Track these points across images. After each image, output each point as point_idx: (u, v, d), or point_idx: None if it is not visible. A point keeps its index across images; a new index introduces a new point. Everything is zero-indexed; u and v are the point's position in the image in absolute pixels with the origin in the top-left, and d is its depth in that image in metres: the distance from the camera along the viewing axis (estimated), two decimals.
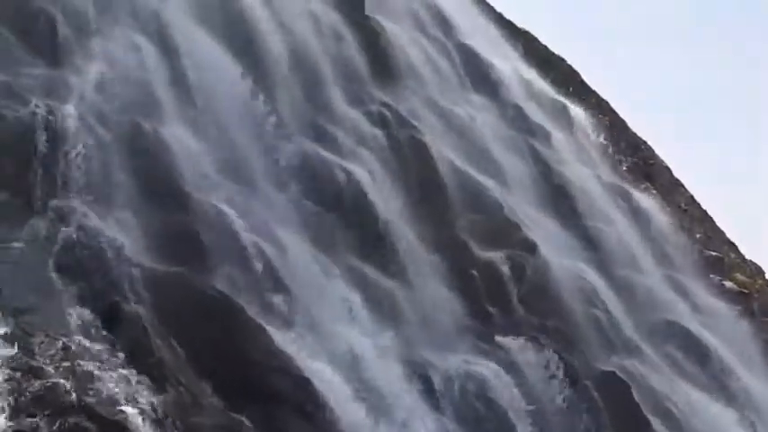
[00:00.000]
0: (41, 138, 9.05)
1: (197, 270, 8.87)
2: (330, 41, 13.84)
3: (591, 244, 14.14)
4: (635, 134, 20.16)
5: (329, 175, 11.47)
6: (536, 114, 16.64)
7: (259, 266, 9.39)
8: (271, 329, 8.55)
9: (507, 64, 17.70)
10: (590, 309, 12.60)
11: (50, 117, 9.22)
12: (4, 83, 9.39)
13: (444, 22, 17.20)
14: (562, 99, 18.21)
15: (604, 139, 18.26)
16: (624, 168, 18.11)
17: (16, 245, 8.09)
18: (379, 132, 13.12)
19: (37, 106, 9.22)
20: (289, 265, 9.72)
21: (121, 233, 8.60)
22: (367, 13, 15.04)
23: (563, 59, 20.81)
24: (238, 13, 12.44)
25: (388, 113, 13.58)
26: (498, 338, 10.99)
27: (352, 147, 12.49)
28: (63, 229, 8.42)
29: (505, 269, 12.17)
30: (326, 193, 11.31)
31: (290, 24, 13.07)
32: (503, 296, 11.81)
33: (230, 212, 9.51)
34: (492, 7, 20.26)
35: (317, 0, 14.29)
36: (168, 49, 11.19)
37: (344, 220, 11.09)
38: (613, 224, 15.02)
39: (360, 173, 11.81)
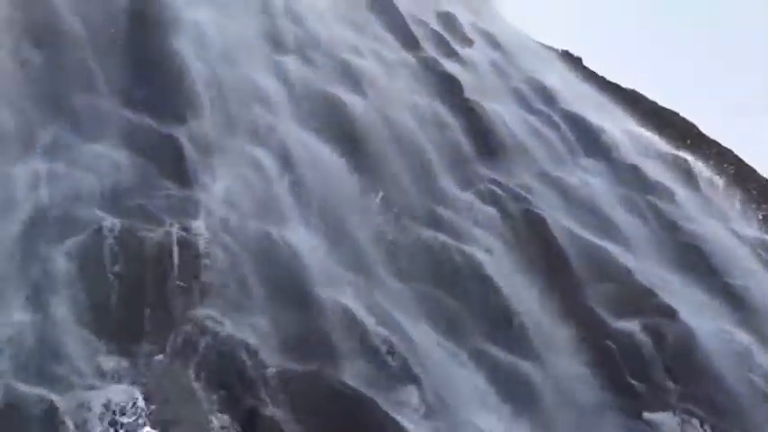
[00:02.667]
0: (177, 254, 9.70)
1: (329, 367, 9.03)
2: (434, 128, 14.17)
3: (735, 303, 13.17)
4: (766, 180, 18.95)
5: (448, 258, 11.49)
6: (654, 172, 16.07)
7: (387, 359, 9.42)
8: (404, 422, 8.48)
9: (617, 125, 17.36)
10: (745, 373, 11.62)
11: (183, 234, 9.89)
12: (141, 206, 10.22)
13: (546, 94, 17.23)
14: (680, 153, 17.53)
15: (733, 190, 17.28)
16: (760, 217, 16.97)
17: (160, 357, 8.59)
18: (492, 210, 13.09)
19: (171, 225, 9.93)
20: (416, 354, 9.69)
21: (255, 337, 8.94)
22: (466, 96, 15.35)
23: (675, 113, 20.14)
24: (344, 115, 13.05)
25: (498, 190, 13.57)
26: (647, 415, 10.31)
27: (467, 228, 12.51)
28: (202, 338, 8.86)
29: (644, 338, 11.52)
30: (446, 277, 11.31)
31: (394, 118, 13.54)
32: (645, 368, 11.14)
33: (356, 307, 9.69)
34: (593, 72, 20.13)
35: (418, 91, 14.77)
36: (284, 158, 11.85)
37: (467, 303, 10.99)
38: (757, 279, 13.97)
39: (478, 253, 11.76)
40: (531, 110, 16.39)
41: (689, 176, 16.78)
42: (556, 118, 16.40)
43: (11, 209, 9.28)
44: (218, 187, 10.93)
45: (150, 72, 12.02)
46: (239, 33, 13.61)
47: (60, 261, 8.94)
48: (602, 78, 19.98)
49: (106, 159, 10.42)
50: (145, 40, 12.34)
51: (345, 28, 15.81)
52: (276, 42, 14.20)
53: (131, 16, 12.53)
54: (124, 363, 8.52)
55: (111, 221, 9.49)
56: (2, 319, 8.23)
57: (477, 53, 18.46)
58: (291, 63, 13.79)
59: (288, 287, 9.90)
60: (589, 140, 16.11)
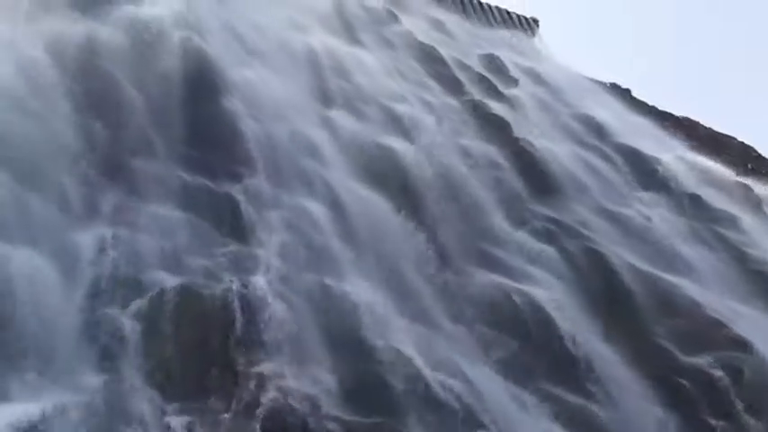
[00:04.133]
0: (238, 310, 9.81)
1: (392, 418, 8.91)
2: (485, 170, 14.15)
3: None
4: None
5: (505, 300, 11.32)
6: (716, 199, 15.65)
7: (451, 406, 9.25)
8: None
9: (673, 154, 17.04)
10: None
11: (244, 290, 10.02)
12: (202, 265, 10.42)
13: (597, 128, 17.08)
14: (741, 178, 17.04)
15: None
16: None
17: (225, 416, 8.62)
18: (548, 248, 12.90)
19: (231, 281, 10.08)
20: (481, 400, 9.49)
21: (317, 390, 8.91)
22: (515, 135, 15.32)
23: (732, 137, 19.69)
24: (394, 163, 13.15)
25: (554, 227, 13.38)
26: None
27: (524, 268, 12.34)
28: (265, 393, 8.87)
29: (719, 373, 11.05)
30: (506, 319, 11.12)
31: (443, 162, 13.58)
32: (724, 405, 10.65)
33: (415, 356, 9.59)
34: (643, 102, 19.89)
35: (466, 134, 14.81)
36: (337, 209, 11.97)
37: (529, 345, 10.76)
38: None
39: (537, 293, 11.55)
40: (582, 145, 16.24)
41: (752, 201, 16.27)
42: (609, 151, 16.20)
43: (78, 274, 9.55)
44: (275, 241, 11.07)
45: (204, 133, 12.38)
46: (288, 90, 13.96)
47: (127, 324, 9.14)
48: (653, 108, 19.73)
49: (166, 221, 10.70)
50: (198, 102, 12.75)
51: (390, 78, 16.07)
52: (324, 97, 14.51)
53: (184, 80, 12.98)
54: (192, 421, 8.58)
55: (173, 282, 9.69)
56: (73, 384, 8.41)
57: (523, 92, 18.49)
58: (340, 116, 14.04)
59: (346, 338, 9.88)
60: (645, 172, 15.84)
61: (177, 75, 12.84)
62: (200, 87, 12.93)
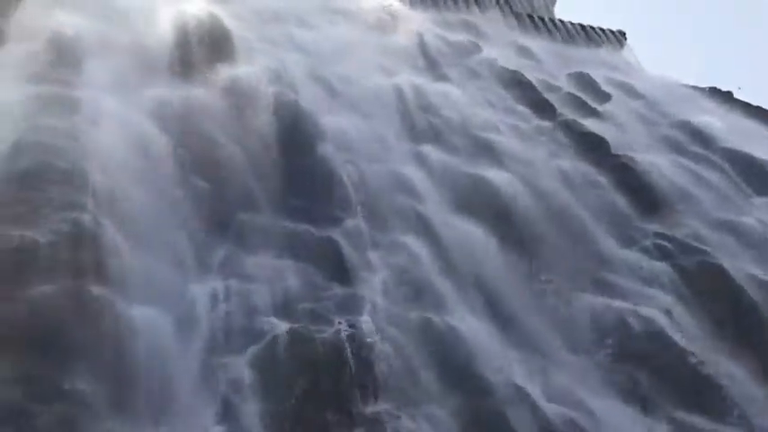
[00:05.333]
0: (349, 352, 9.90)
1: None
2: (585, 190, 13.78)
3: None
4: None
5: (623, 324, 10.87)
6: None
7: None
8: None
9: None
10: None
11: (352, 330, 10.11)
12: (311, 309, 10.60)
13: (700, 135, 16.33)
14: None
15: None
16: None
17: None
18: (663, 266, 12.34)
19: (339, 323, 10.21)
20: None
21: (432, 428, 8.80)
22: (614, 151, 14.86)
23: None
24: (489, 192, 13.04)
25: (667, 244, 12.81)
26: None
27: (638, 289, 11.85)
28: None
29: None
30: (625, 344, 10.66)
31: (540, 186, 13.33)
32: None
33: (531, 387, 9.33)
34: (747, 103, 18.88)
35: (561, 155, 14.51)
36: (435, 243, 11.95)
37: (652, 370, 10.25)
38: None
39: (654, 314, 11.04)
40: (686, 154, 15.56)
41: None
42: (716, 158, 15.43)
43: (194, 326, 9.95)
44: (377, 280, 11.15)
45: (303, 181, 12.75)
46: (379, 132, 14.20)
47: (244, 371, 9.40)
48: (759, 108, 18.66)
49: (273, 270, 11.00)
50: (294, 152, 13.17)
51: (479, 108, 16.04)
52: (414, 134, 14.65)
53: (280, 133, 13.46)
54: None
55: (284, 327, 9.92)
56: None
57: (617, 106, 17.98)
58: (431, 151, 14.11)
59: (458, 373, 9.75)
60: (758, 176, 14.95)
61: (273, 128, 13.33)
62: (296, 138, 13.35)
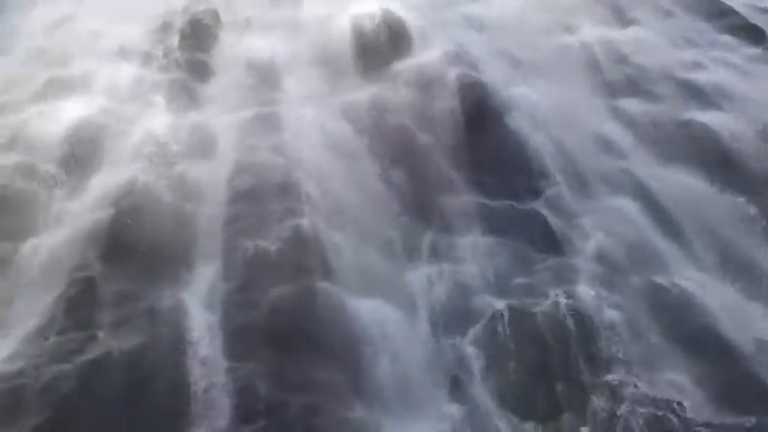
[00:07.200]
0: (570, 322, 9.71)
1: None
2: None
3: None
4: None
5: None
6: None
7: None
8: None
9: None
10: None
11: (571, 301, 9.91)
12: (526, 283, 10.53)
13: None
14: None
15: None
16: None
17: (585, 429, 8.51)
18: None
19: (557, 295, 10.05)
20: None
21: (677, 394, 8.43)
22: None
23: None
24: (701, 138, 12.14)
25: None
26: None
27: None
28: (619, 404, 8.62)
29: None
30: None
31: (765, 120, 12.13)
32: None
33: None
34: None
35: None
36: (647, 200, 11.34)
37: None
38: None
39: None
40: None
41: None
42: None
43: (415, 312, 10.31)
44: (591, 247, 10.82)
45: (496, 156, 12.66)
46: (568, 94, 13.70)
47: (469, 350, 9.60)
48: None
49: (480, 248, 11.08)
50: (484, 129, 13.11)
51: (677, 49, 14.90)
52: (608, 88, 13.95)
53: (467, 112, 13.45)
54: None
55: (501, 304, 9.97)
56: (435, 414, 9.02)
57: None
58: (630, 103, 13.37)
59: (694, 336, 9.24)
60: None
61: (460, 110, 13.36)
62: (483, 115, 13.28)
